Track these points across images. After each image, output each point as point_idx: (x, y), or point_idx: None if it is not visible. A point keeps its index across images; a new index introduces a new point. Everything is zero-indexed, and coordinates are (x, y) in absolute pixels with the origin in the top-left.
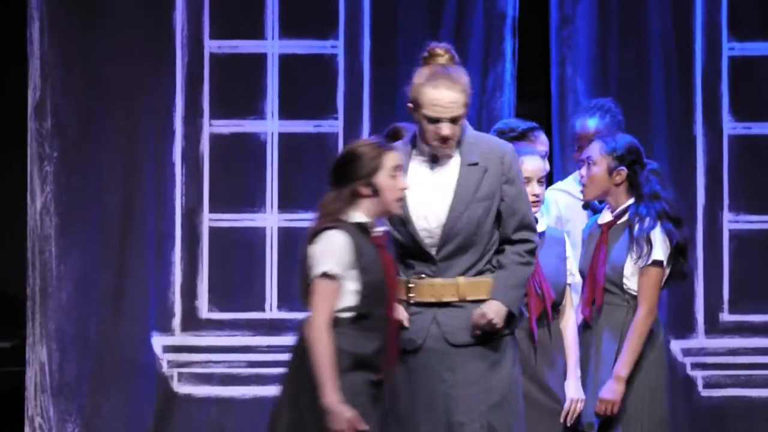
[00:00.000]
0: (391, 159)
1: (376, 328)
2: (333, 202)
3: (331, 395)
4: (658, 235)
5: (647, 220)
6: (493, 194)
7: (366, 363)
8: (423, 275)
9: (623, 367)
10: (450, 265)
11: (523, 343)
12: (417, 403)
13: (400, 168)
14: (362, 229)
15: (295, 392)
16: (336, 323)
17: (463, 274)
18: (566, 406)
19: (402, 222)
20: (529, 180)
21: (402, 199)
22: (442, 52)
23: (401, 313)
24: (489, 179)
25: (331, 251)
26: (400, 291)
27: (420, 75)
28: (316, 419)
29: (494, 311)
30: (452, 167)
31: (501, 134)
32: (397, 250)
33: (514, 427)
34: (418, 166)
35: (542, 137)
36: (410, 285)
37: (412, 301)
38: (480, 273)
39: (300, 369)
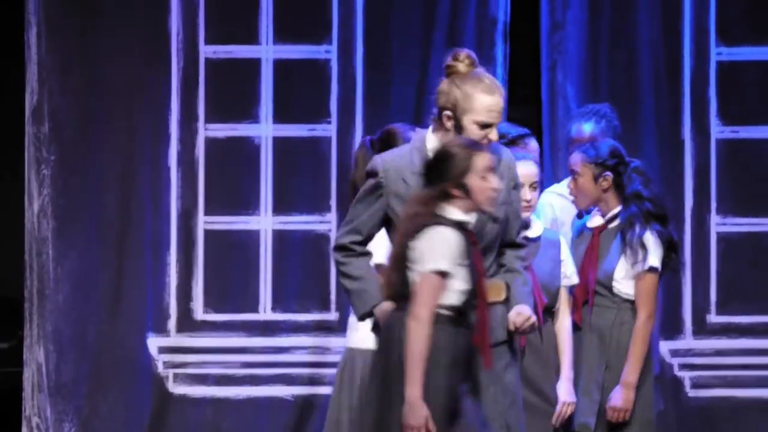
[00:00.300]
0: (482, 160)
1: (470, 326)
2: (427, 200)
3: (415, 389)
4: (650, 240)
5: (637, 225)
6: (508, 198)
7: (458, 361)
8: None
9: (630, 373)
10: None
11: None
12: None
13: (492, 169)
14: (460, 226)
15: (385, 384)
16: (435, 320)
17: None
18: (558, 408)
19: None
20: (521, 185)
21: (494, 199)
22: (465, 57)
23: None
24: (504, 183)
25: (441, 247)
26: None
27: (466, 81)
28: (399, 412)
29: (529, 312)
30: None
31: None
32: None
33: (521, 427)
34: None
35: (533, 144)
36: None
37: None
38: (492, 275)
39: (389, 360)
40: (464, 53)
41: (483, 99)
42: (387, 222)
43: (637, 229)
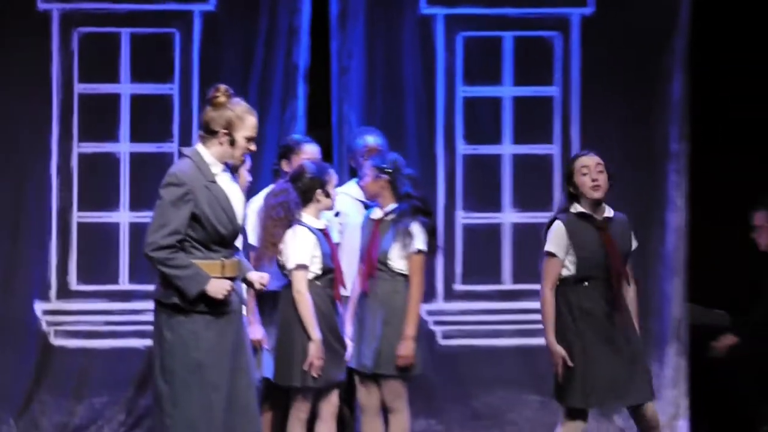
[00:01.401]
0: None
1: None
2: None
3: (551, 337)
4: (417, 229)
5: (407, 217)
6: None
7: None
8: (224, 257)
9: (410, 329)
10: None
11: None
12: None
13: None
14: (584, 216)
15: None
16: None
17: (228, 257)
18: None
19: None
20: None
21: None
22: (225, 90)
23: (256, 275)
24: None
25: (551, 236)
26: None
27: (236, 106)
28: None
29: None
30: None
31: (288, 147)
32: (213, 238)
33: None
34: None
35: (311, 147)
36: (224, 264)
37: (228, 276)
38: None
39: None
40: (223, 87)
41: (250, 119)
42: (193, 219)
43: (408, 220)
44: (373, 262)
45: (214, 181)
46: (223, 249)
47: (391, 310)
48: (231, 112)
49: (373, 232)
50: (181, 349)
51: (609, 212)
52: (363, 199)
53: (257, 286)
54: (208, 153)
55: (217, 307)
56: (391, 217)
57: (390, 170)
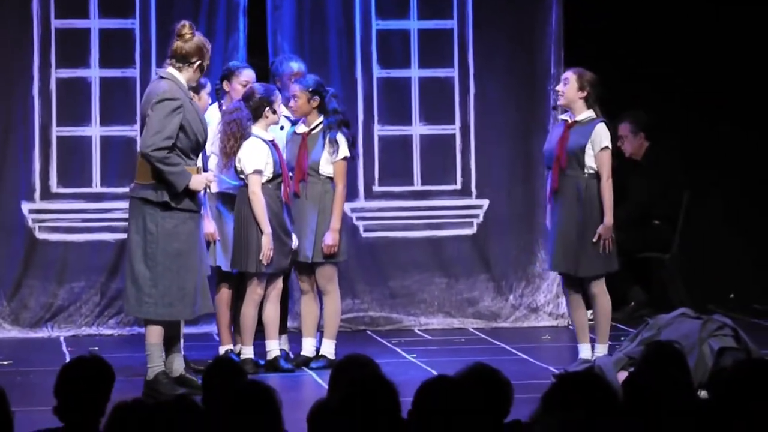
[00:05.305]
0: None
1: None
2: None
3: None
4: (341, 138)
5: (334, 129)
6: None
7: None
8: (195, 164)
9: (335, 222)
10: None
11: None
12: None
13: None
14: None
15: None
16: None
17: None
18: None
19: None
20: None
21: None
22: (189, 26)
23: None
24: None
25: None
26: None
27: (201, 38)
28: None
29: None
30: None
31: (229, 71)
32: (192, 146)
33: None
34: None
35: (248, 71)
36: (198, 169)
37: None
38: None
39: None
40: (188, 23)
41: (209, 49)
42: (181, 129)
43: (335, 131)
44: (303, 169)
45: (191, 99)
46: (195, 157)
47: (322, 209)
48: (200, 44)
49: (301, 145)
50: (164, 239)
51: (582, 117)
52: (291, 117)
53: (209, 186)
54: (181, 77)
55: (193, 205)
56: (317, 130)
57: (321, 91)
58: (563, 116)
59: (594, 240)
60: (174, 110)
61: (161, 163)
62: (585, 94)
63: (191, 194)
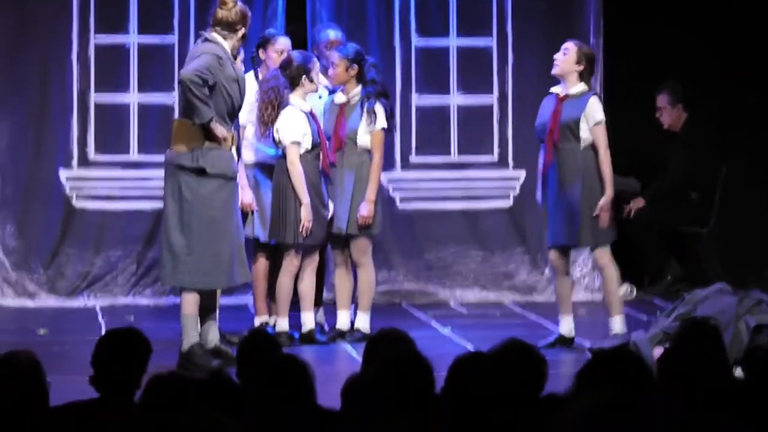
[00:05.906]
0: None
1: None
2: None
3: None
4: (380, 109)
5: (372, 99)
6: None
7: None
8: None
9: (371, 193)
10: None
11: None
12: None
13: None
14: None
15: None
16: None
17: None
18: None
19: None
20: None
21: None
22: None
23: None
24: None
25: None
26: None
27: (242, 7)
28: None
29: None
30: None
31: (265, 39)
32: (228, 108)
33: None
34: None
35: (284, 39)
36: (233, 135)
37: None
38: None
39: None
40: None
41: (250, 15)
42: (216, 90)
43: (373, 101)
44: (341, 138)
45: (234, 64)
46: (230, 121)
47: (358, 178)
48: (243, 11)
49: (339, 114)
50: (200, 206)
51: (574, 90)
52: (329, 86)
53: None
54: (226, 45)
55: (228, 171)
56: (355, 100)
57: (360, 60)
58: (554, 89)
59: (595, 214)
60: (216, 61)
61: (194, 85)
62: (581, 67)
63: (225, 160)
